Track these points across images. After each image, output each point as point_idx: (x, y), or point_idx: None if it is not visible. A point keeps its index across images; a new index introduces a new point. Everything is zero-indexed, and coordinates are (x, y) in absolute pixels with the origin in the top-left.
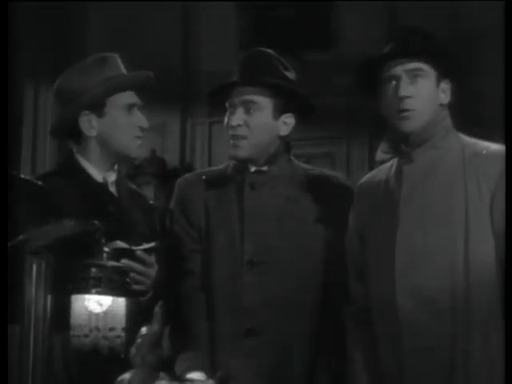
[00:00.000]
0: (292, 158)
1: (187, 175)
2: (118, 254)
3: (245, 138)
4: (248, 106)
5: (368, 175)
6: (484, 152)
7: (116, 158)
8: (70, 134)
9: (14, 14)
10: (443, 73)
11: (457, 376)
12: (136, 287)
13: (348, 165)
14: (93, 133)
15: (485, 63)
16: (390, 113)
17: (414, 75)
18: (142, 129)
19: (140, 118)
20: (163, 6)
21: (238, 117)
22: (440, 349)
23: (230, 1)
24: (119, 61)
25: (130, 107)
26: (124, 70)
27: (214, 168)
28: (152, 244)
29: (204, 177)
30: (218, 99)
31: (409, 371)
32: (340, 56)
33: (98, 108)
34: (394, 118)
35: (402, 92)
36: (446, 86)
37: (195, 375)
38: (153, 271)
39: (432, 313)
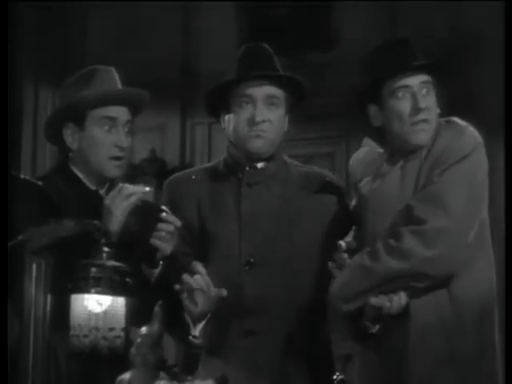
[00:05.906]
0: (284, 155)
1: (176, 174)
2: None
3: (267, 134)
4: (271, 101)
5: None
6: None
7: (96, 175)
8: (56, 142)
9: (13, 14)
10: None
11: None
12: (159, 244)
13: (348, 165)
14: (75, 146)
15: (485, 63)
16: (401, 124)
17: (427, 87)
18: (121, 148)
19: (120, 137)
20: (163, 5)
21: (262, 112)
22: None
23: (229, 1)
24: (111, 75)
25: (111, 123)
26: (115, 84)
27: (203, 166)
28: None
29: (194, 176)
30: (219, 97)
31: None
32: (340, 56)
33: (78, 121)
34: (407, 132)
35: (423, 104)
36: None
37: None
38: (176, 231)
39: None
